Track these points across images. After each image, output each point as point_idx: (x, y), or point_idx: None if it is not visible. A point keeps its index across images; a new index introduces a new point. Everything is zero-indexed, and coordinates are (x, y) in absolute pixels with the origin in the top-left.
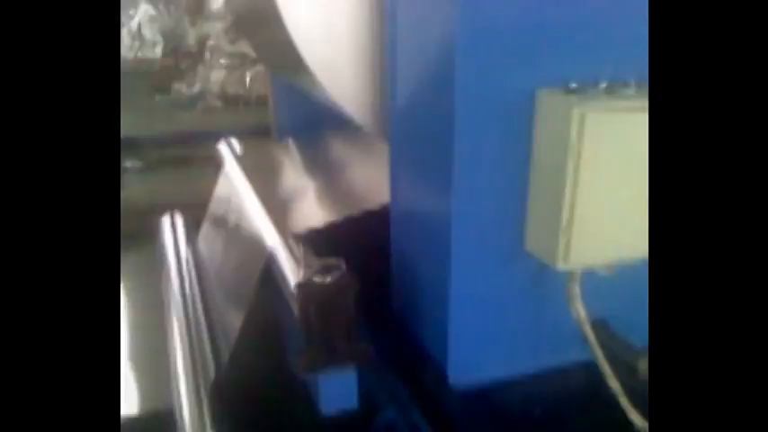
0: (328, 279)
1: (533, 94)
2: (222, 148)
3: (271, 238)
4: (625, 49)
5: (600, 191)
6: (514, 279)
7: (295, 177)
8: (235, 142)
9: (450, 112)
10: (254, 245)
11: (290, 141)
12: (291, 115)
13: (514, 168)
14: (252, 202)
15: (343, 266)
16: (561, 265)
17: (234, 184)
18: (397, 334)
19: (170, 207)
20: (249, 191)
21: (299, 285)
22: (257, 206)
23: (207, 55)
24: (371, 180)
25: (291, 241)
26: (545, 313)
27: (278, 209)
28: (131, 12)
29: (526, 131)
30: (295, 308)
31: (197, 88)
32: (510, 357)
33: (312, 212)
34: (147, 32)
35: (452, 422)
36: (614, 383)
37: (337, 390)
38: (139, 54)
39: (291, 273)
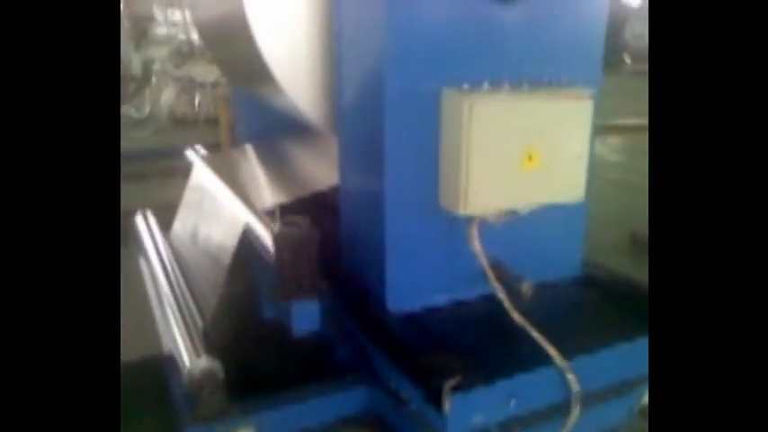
0: (296, 230)
1: (439, 93)
2: (189, 153)
3: (244, 214)
4: (504, 63)
5: (486, 156)
6: (433, 230)
7: (255, 171)
8: (200, 149)
9: (381, 109)
10: (230, 222)
11: (248, 145)
12: (249, 125)
13: (429, 147)
14: (222, 191)
15: (306, 222)
16: (462, 212)
17: (204, 179)
18: (346, 284)
19: (135, 212)
20: (219, 183)
21: (275, 236)
22: (228, 193)
23: (153, 79)
24: (318, 168)
25: (261, 214)
26: (458, 256)
27: (243, 194)
28: None
29: (436, 119)
30: (271, 256)
31: (147, 110)
32: (433, 291)
33: (274, 194)
34: None
35: (390, 338)
36: (501, 294)
37: (305, 315)
38: None
39: (266, 233)
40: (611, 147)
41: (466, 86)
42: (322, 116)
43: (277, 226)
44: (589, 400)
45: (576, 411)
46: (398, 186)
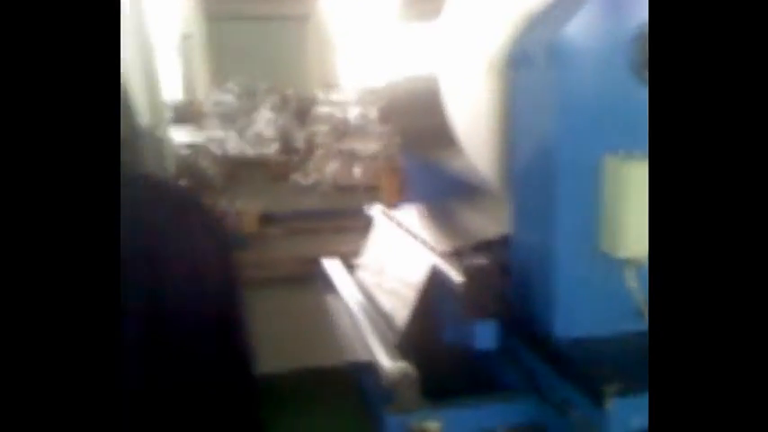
0: (483, 262)
1: (601, 160)
2: (371, 209)
3: (429, 256)
4: None
5: (637, 210)
6: (596, 271)
7: (427, 224)
8: (380, 207)
9: (555, 175)
10: (416, 262)
11: (421, 206)
12: (418, 190)
13: (591, 204)
14: (406, 238)
15: (487, 260)
16: (620, 254)
17: (387, 230)
18: (515, 315)
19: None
20: (401, 232)
21: (467, 266)
22: (411, 239)
23: (318, 152)
24: (483, 221)
25: (445, 255)
26: (618, 293)
27: (423, 240)
28: (254, 115)
29: (596, 181)
30: (459, 285)
31: (312, 178)
32: (594, 322)
33: (448, 240)
34: (265, 132)
35: (560, 355)
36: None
37: (485, 334)
38: (258, 150)
39: (453, 270)
40: None
41: (621, 152)
42: (494, 176)
43: (467, 260)
44: None
45: None
46: (567, 236)
